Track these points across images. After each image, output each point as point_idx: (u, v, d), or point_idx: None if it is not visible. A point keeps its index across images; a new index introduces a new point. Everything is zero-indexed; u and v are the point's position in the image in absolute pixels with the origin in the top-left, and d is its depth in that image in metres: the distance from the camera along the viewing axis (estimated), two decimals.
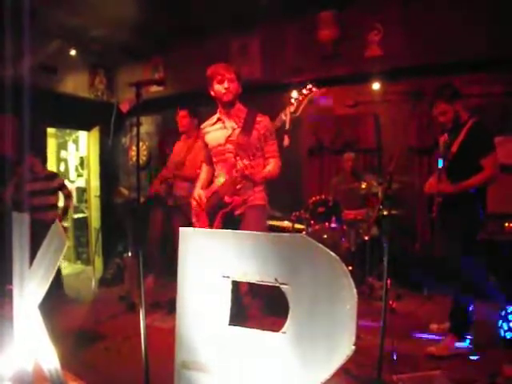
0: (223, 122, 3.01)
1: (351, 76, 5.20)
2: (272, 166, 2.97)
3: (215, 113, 3.08)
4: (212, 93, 2.97)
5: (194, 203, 3.07)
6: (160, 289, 4.54)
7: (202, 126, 3.15)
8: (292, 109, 2.70)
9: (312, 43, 5.23)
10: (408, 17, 4.69)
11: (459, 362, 3.01)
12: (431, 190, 3.22)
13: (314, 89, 2.71)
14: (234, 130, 2.94)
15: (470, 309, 3.10)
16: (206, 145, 3.10)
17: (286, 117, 2.70)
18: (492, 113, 4.49)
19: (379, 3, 4.87)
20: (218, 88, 2.90)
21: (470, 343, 3.12)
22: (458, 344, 3.08)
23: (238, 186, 2.85)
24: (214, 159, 3.06)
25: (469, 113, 3.15)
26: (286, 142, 2.81)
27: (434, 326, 3.50)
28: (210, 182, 3.16)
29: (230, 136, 2.94)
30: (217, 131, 3.03)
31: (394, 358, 2.87)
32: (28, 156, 4.85)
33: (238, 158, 2.80)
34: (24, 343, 1.76)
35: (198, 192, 3.07)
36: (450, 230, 3.15)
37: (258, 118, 2.93)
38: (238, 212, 2.90)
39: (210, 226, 2.91)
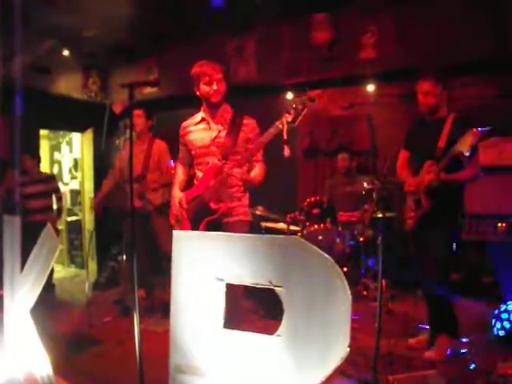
0: (208, 123, 2.88)
1: (346, 78, 5.20)
2: (258, 170, 2.83)
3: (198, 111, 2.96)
4: (198, 93, 2.86)
5: (173, 207, 2.92)
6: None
7: (183, 125, 2.99)
8: (289, 118, 2.54)
9: (307, 45, 5.23)
10: (402, 19, 4.70)
11: (454, 361, 3.01)
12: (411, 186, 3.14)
13: (314, 99, 2.60)
14: (219, 131, 2.83)
15: (453, 307, 3.05)
16: (186, 144, 2.98)
17: (282, 126, 2.53)
18: (485, 115, 4.51)
19: (374, 6, 4.88)
20: (205, 89, 2.78)
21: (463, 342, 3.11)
22: (452, 344, 3.05)
23: (226, 192, 2.75)
24: (196, 161, 2.94)
25: (448, 108, 3.09)
26: (287, 152, 2.64)
27: (412, 341, 3.32)
28: (187, 184, 3.05)
29: (215, 138, 2.83)
30: (201, 131, 2.89)
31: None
32: (25, 157, 4.89)
33: (224, 161, 2.71)
34: (15, 349, 1.74)
35: (178, 195, 2.92)
36: (430, 229, 3.08)
37: (245, 121, 2.84)
38: (225, 220, 2.78)
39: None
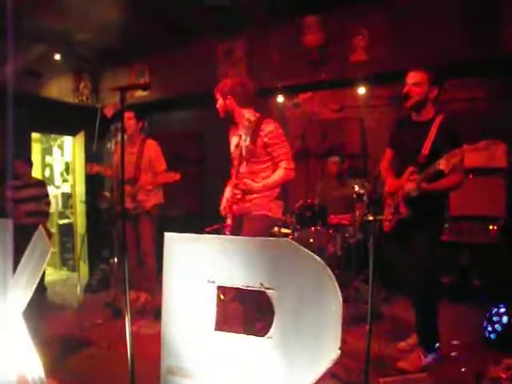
0: (237, 129, 3.22)
1: (337, 81, 5.22)
2: (278, 172, 3.06)
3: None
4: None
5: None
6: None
7: None
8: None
9: (298, 48, 5.25)
10: (393, 21, 4.73)
11: (445, 363, 3.03)
12: (393, 188, 3.06)
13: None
14: (241, 137, 3.09)
15: (435, 318, 3.00)
16: None
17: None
18: (475, 117, 4.55)
19: (364, 8, 4.91)
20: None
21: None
22: (428, 356, 2.98)
23: (236, 195, 3.03)
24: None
25: (435, 109, 2.95)
26: None
27: (402, 344, 3.27)
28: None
29: (238, 144, 3.14)
30: (233, 138, 3.28)
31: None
32: (18, 162, 4.90)
33: (240, 166, 3.05)
34: (8, 352, 1.73)
35: (226, 195, 3.23)
36: (407, 233, 3.00)
37: (263, 125, 3.02)
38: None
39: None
